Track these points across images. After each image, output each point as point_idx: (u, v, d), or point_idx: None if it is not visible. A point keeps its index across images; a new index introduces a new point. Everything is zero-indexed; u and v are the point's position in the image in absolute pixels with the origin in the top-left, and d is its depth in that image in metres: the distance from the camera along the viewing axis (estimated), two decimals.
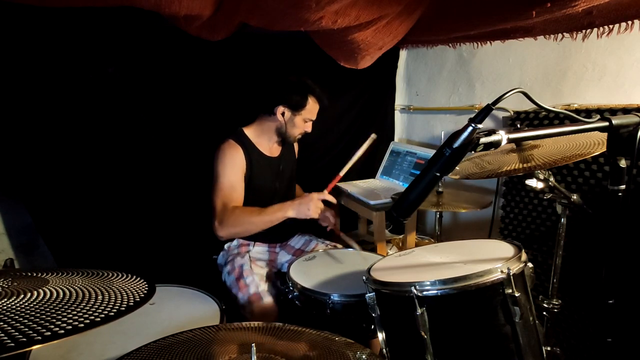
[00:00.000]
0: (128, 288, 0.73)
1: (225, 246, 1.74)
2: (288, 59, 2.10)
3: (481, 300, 0.91)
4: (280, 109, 1.67)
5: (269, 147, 1.78)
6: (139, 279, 0.80)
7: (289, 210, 1.53)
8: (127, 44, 1.73)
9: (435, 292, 0.90)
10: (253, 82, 1.97)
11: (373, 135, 1.78)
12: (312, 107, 1.70)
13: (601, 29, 1.47)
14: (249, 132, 1.74)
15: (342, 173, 1.71)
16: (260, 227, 1.55)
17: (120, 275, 0.80)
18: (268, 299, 1.48)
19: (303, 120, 1.70)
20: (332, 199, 1.60)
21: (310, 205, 1.52)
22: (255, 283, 1.52)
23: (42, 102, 1.57)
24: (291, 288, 1.36)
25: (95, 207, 1.76)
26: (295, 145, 1.97)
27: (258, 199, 1.67)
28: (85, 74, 1.64)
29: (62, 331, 0.54)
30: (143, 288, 0.74)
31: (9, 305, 0.60)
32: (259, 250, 1.76)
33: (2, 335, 0.51)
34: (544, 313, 1.36)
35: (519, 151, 1.21)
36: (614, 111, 1.56)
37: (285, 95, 1.66)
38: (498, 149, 0.80)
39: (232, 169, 1.62)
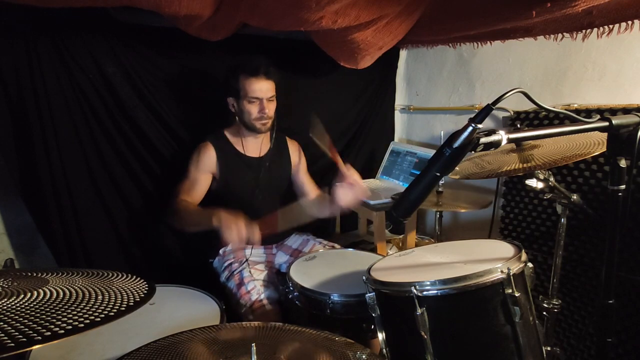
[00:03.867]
0: (128, 288, 0.73)
1: (220, 251, 1.72)
2: (288, 59, 2.10)
3: (481, 300, 0.91)
4: (230, 101, 1.68)
5: (251, 146, 1.75)
6: (138, 279, 0.80)
7: (214, 219, 1.36)
8: (127, 43, 1.73)
9: (435, 292, 0.90)
10: None
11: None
12: (248, 85, 1.59)
13: (601, 29, 1.47)
14: (228, 132, 1.74)
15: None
16: (189, 224, 1.50)
17: (120, 276, 0.80)
18: (270, 307, 1.46)
19: (248, 102, 1.62)
20: (256, 238, 1.36)
21: (230, 229, 1.31)
22: (257, 290, 1.50)
23: (42, 101, 1.57)
24: (291, 288, 1.36)
25: (95, 207, 1.76)
26: (292, 146, 1.90)
27: (236, 198, 1.68)
28: (85, 74, 1.64)
29: (62, 331, 0.54)
30: (143, 288, 0.74)
31: (9, 305, 0.60)
32: (255, 252, 1.73)
33: (2, 335, 0.51)
34: (544, 313, 1.35)
35: (519, 151, 1.21)
36: (614, 111, 1.56)
37: (226, 86, 1.65)
38: (498, 149, 0.80)
39: (198, 168, 1.65)
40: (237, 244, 1.41)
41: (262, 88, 1.61)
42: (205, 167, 1.67)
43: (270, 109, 1.66)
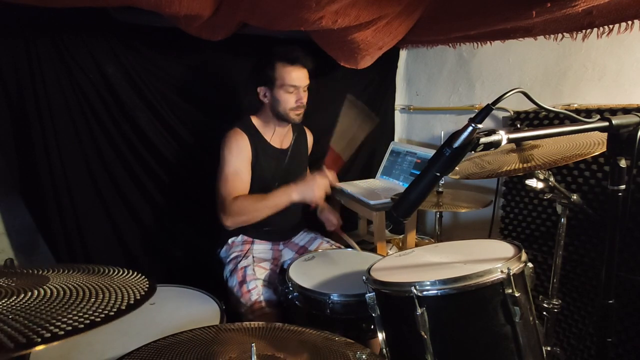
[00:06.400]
0: (128, 285, 0.72)
1: (229, 240, 1.72)
2: None
3: (481, 300, 0.91)
4: (261, 90, 1.63)
5: (277, 137, 1.73)
6: (139, 275, 0.79)
7: (293, 194, 1.50)
8: (127, 43, 1.73)
9: (435, 292, 0.90)
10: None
11: (349, 96, 1.71)
12: (286, 73, 1.57)
13: (601, 29, 1.47)
14: (256, 120, 1.70)
15: (332, 144, 1.66)
16: (265, 213, 1.52)
17: (120, 272, 0.80)
18: (269, 309, 1.47)
19: (285, 91, 1.59)
20: (334, 178, 1.56)
21: (314, 188, 1.49)
22: (257, 290, 1.50)
23: (42, 101, 1.57)
24: (291, 288, 1.36)
25: (95, 207, 1.76)
26: (310, 137, 1.93)
27: (260, 190, 1.65)
28: (85, 74, 1.64)
29: (62, 332, 0.54)
30: (144, 285, 0.73)
31: (9, 305, 0.60)
32: (262, 248, 1.74)
33: (3, 336, 0.51)
34: (544, 313, 1.35)
35: (519, 151, 1.21)
36: (614, 111, 1.55)
37: (257, 75, 1.61)
38: (498, 149, 0.80)
39: (238, 156, 1.60)
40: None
41: (300, 76, 1.59)
42: (245, 155, 1.61)
43: (306, 98, 1.64)
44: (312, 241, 1.81)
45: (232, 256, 1.67)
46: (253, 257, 1.65)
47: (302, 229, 1.88)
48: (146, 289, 0.71)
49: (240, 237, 1.73)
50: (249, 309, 1.46)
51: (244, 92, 1.77)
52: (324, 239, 1.83)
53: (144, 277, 0.77)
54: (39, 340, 0.51)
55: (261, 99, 1.64)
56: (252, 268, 1.59)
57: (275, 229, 1.67)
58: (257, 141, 1.65)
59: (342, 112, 1.71)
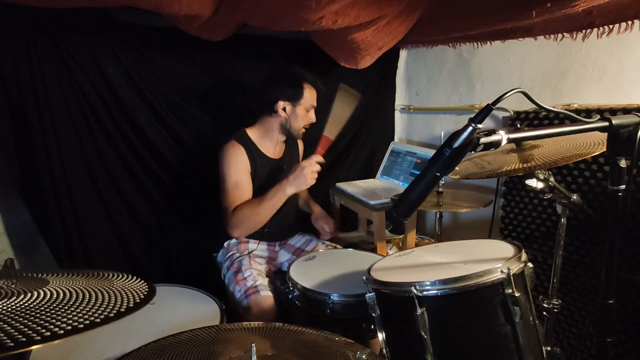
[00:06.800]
0: (128, 289, 0.73)
1: (225, 244, 1.74)
2: (288, 59, 2.10)
3: (481, 300, 0.91)
4: (281, 104, 1.67)
5: (272, 148, 1.77)
6: (139, 279, 0.80)
7: (287, 188, 1.53)
8: (127, 43, 1.73)
9: (435, 292, 0.90)
10: (252, 83, 1.96)
11: (342, 85, 1.74)
12: (309, 94, 1.70)
13: (601, 29, 1.47)
14: (252, 133, 1.73)
15: (326, 133, 1.68)
16: (266, 214, 1.56)
17: (120, 276, 0.80)
18: (265, 293, 1.47)
19: (305, 109, 1.70)
20: (320, 159, 1.58)
21: (306, 175, 1.52)
22: (253, 277, 1.52)
23: (42, 101, 1.57)
24: (291, 288, 1.36)
25: (95, 207, 1.76)
26: (301, 146, 1.96)
27: None
28: (85, 74, 1.64)
29: (62, 331, 0.54)
30: (143, 289, 0.74)
31: (9, 306, 0.60)
32: (259, 248, 1.75)
33: (2, 335, 0.51)
34: (544, 313, 1.35)
35: (519, 151, 1.21)
36: (614, 111, 1.55)
37: (282, 90, 1.67)
38: (498, 149, 0.80)
39: (237, 168, 1.63)
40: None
41: (316, 99, 1.74)
42: (244, 166, 1.65)
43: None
44: (308, 243, 1.82)
45: (227, 256, 1.68)
46: (249, 253, 1.68)
47: (298, 232, 1.90)
48: (145, 293, 0.71)
49: (234, 240, 1.74)
50: (244, 295, 1.47)
51: (253, 96, 1.82)
52: (320, 240, 1.84)
53: (143, 281, 0.78)
54: (39, 338, 0.51)
55: (278, 110, 1.68)
56: (248, 260, 1.62)
57: (271, 230, 1.69)
58: (254, 153, 1.69)
59: (336, 101, 1.72)
